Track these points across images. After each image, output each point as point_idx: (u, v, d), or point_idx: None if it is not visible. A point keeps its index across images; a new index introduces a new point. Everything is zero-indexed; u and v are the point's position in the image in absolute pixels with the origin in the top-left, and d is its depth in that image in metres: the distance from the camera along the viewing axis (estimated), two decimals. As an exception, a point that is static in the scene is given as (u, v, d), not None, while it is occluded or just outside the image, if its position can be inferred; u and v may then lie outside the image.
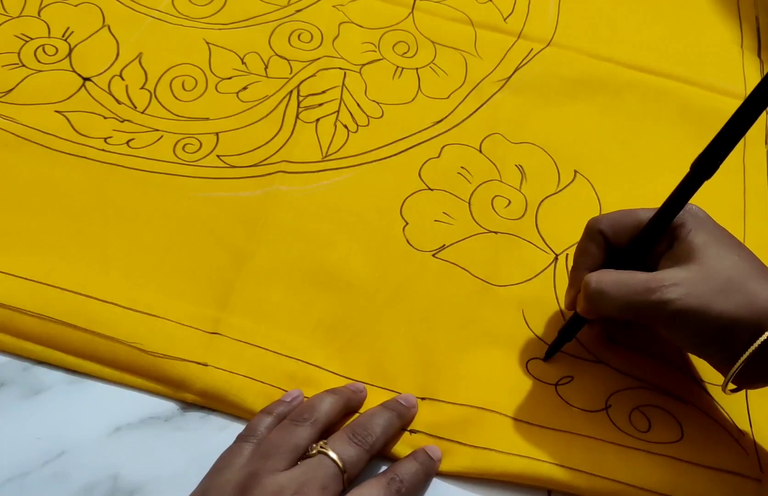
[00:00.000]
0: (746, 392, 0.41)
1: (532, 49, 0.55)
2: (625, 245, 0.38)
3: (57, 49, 0.50)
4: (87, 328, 0.39)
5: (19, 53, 0.50)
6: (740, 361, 0.34)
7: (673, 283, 0.35)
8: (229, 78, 0.51)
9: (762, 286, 0.34)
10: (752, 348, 0.33)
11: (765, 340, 0.33)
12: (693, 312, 0.34)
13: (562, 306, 0.43)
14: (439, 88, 0.52)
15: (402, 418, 0.38)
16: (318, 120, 0.49)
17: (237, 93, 0.50)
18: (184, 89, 0.50)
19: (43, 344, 0.39)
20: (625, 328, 0.41)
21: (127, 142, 0.47)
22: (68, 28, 0.51)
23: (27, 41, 0.50)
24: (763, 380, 0.36)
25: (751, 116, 0.32)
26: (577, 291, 0.38)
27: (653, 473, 0.37)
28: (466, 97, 0.52)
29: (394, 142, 0.49)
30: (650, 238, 0.37)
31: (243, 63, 0.52)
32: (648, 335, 0.41)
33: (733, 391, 0.37)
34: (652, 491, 0.37)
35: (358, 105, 0.51)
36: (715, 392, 0.41)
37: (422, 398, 0.39)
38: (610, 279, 0.36)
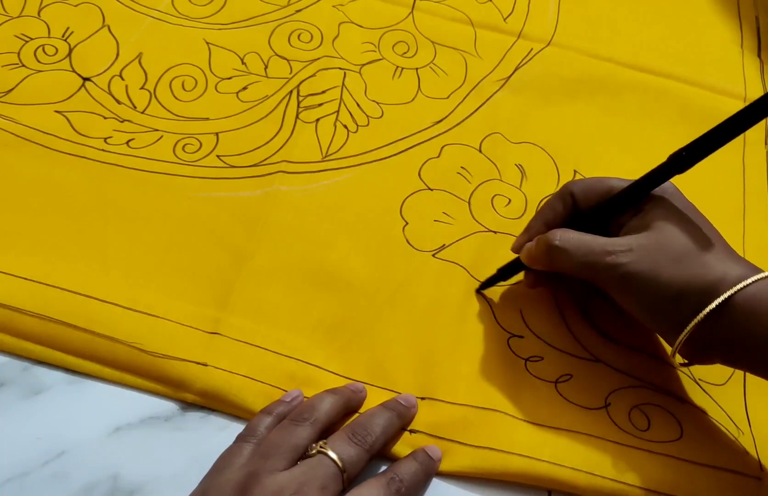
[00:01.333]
0: (744, 391, 0.41)
1: (531, 49, 0.55)
2: (589, 209, 0.39)
3: (57, 49, 0.50)
4: (87, 328, 0.39)
5: (19, 53, 0.50)
6: (687, 330, 0.35)
7: (628, 248, 0.36)
8: (229, 78, 0.51)
9: (719, 260, 0.35)
10: (698, 318, 0.34)
11: (711, 309, 0.34)
12: (643, 277, 0.35)
13: (561, 304, 0.43)
14: (439, 88, 0.52)
15: (402, 418, 0.38)
16: (318, 120, 0.49)
17: (237, 93, 0.50)
18: (184, 89, 0.50)
19: (43, 344, 0.39)
20: (555, 280, 0.42)
21: (127, 142, 0.47)
22: (68, 28, 0.51)
23: (27, 41, 0.50)
24: (712, 353, 0.36)
25: (734, 130, 0.34)
26: (529, 239, 0.40)
27: (653, 472, 0.38)
28: (466, 97, 0.52)
29: (394, 142, 0.49)
30: (614, 208, 0.38)
31: (243, 63, 0.52)
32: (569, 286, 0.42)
33: (683, 364, 0.38)
34: (651, 491, 0.37)
35: (358, 105, 0.51)
36: (714, 392, 0.41)
37: (422, 398, 0.39)
38: (572, 237, 0.38)
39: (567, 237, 0.38)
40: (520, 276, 0.43)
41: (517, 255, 0.42)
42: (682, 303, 0.35)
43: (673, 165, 0.36)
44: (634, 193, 0.38)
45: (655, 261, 0.35)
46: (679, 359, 0.37)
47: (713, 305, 0.34)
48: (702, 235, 0.36)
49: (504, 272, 0.43)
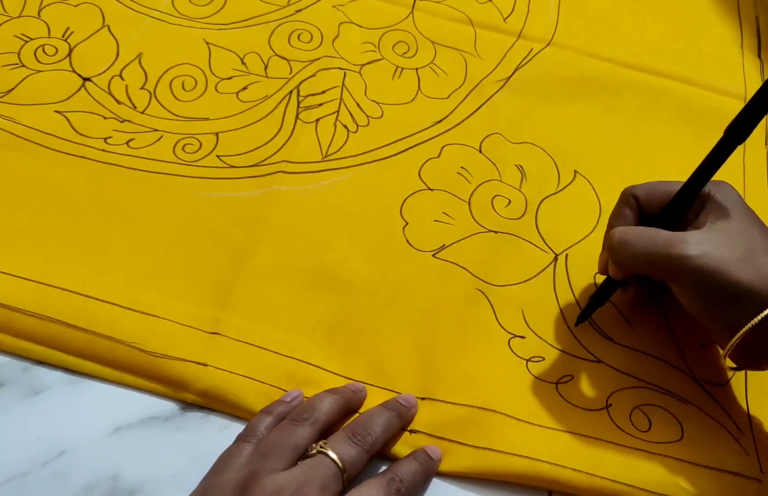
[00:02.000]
0: (746, 391, 0.41)
1: (532, 49, 0.55)
2: (657, 213, 0.39)
3: (57, 49, 0.50)
4: (87, 328, 0.39)
5: (19, 53, 0.50)
6: (741, 331, 0.34)
7: (695, 242, 0.35)
8: (229, 78, 0.51)
9: None
10: (754, 320, 0.34)
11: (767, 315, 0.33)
12: (710, 272, 0.35)
13: (562, 304, 0.43)
14: (439, 88, 0.52)
15: (402, 418, 0.38)
16: (318, 120, 0.49)
17: (237, 93, 0.50)
18: (184, 89, 0.50)
19: (43, 344, 0.39)
20: (657, 293, 0.41)
21: (127, 143, 0.47)
22: (68, 28, 0.51)
23: (27, 41, 0.50)
24: (763, 359, 0.36)
25: None
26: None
27: (653, 473, 0.37)
28: (466, 97, 0.52)
29: (394, 142, 0.49)
30: (681, 204, 0.38)
31: (243, 63, 0.52)
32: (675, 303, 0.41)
33: (733, 369, 0.37)
34: (652, 492, 0.37)
35: (358, 105, 0.51)
36: (716, 392, 0.41)
37: (422, 398, 0.39)
38: (633, 231, 0.37)
39: (627, 231, 0.38)
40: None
41: (605, 277, 0.41)
42: (743, 303, 0.34)
43: (732, 136, 0.35)
44: (697, 180, 0.37)
45: (722, 257, 0.35)
46: (729, 362, 0.36)
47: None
48: (761, 236, 0.36)
49: (598, 297, 0.42)
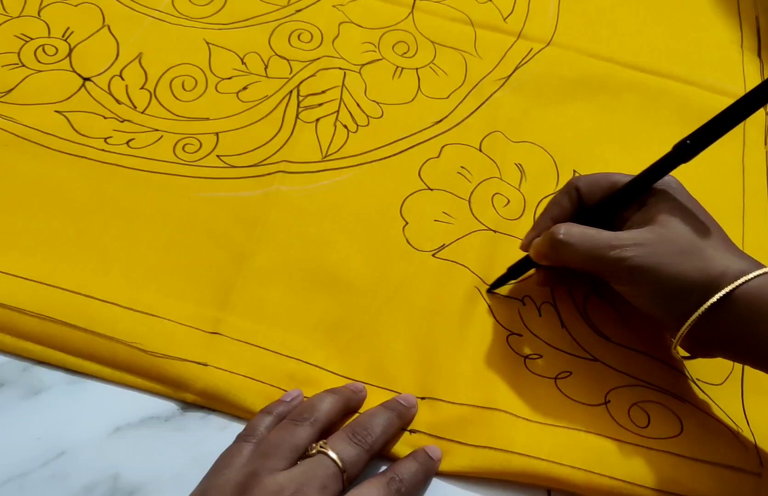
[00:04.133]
0: (741, 390, 0.41)
1: (531, 49, 0.55)
2: (596, 204, 0.40)
3: (57, 49, 0.50)
4: (87, 328, 0.39)
5: (19, 53, 0.50)
6: (688, 322, 0.35)
7: (634, 243, 0.36)
8: (229, 78, 0.51)
9: (720, 254, 0.36)
10: (699, 311, 0.35)
11: (712, 303, 0.34)
12: (648, 270, 0.35)
13: (559, 303, 0.43)
14: (438, 88, 0.52)
15: (402, 418, 0.38)
16: (318, 120, 0.49)
17: (237, 93, 0.50)
18: (184, 89, 0.50)
19: (43, 344, 0.39)
20: (565, 277, 0.42)
21: (127, 142, 0.47)
22: (68, 28, 0.51)
23: (27, 41, 0.50)
24: (713, 346, 0.36)
25: (736, 117, 0.34)
26: (537, 236, 0.40)
27: (652, 469, 0.38)
28: (466, 97, 0.52)
29: (394, 142, 0.49)
30: (618, 202, 0.39)
31: (243, 63, 0.52)
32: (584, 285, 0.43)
33: (686, 358, 0.38)
34: (651, 488, 0.37)
35: (358, 105, 0.51)
36: (712, 392, 0.41)
37: (422, 398, 0.39)
38: (577, 232, 0.38)
39: (571, 231, 0.38)
40: (531, 272, 0.43)
41: (526, 253, 0.42)
42: (685, 296, 0.35)
43: (678, 155, 0.36)
44: (638, 185, 0.38)
45: (660, 255, 0.35)
46: (681, 351, 0.37)
47: (714, 299, 0.34)
48: (705, 229, 0.36)
49: (514, 271, 0.43)
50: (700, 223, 0.37)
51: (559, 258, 0.39)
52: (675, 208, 0.37)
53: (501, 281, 0.43)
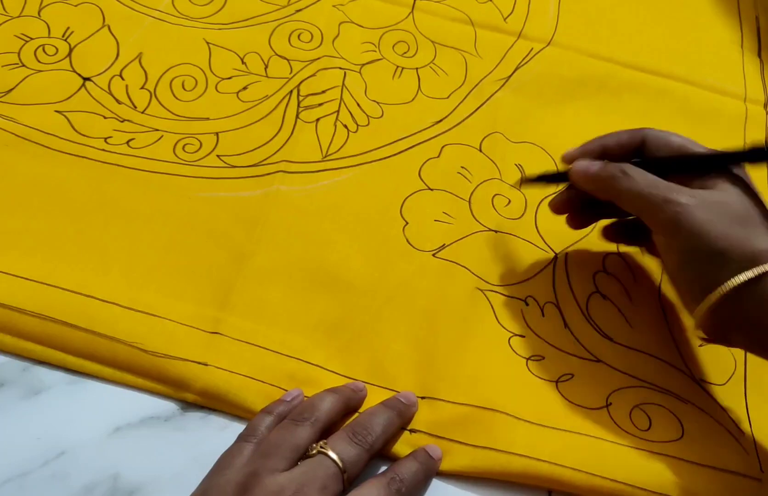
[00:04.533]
0: (745, 391, 0.41)
1: (532, 49, 0.55)
2: (657, 158, 0.39)
3: (57, 49, 0.50)
4: (87, 328, 0.39)
5: (19, 53, 0.50)
6: (718, 290, 0.34)
7: (691, 195, 0.36)
8: (229, 78, 0.51)
9: (760, 234, 0.35)
10: (732, 282, 0.34)
11: (748, 279, 0.34)
12: (697, 223, 0.35)
13: (561, 304, 0.43)
14: (439, 88, 0.52)
15: (402, 416, 0.38)
16: (318, 120, 0.49)
17: (237, 93, 0.50)
18: (184, 89, 0.50)
19: (43, 344, 0.39)
20: (585, 209, 0.42)
21: (127, 142, 0.47)
22: (68, 28, 0.51)
23: (27, 41, 0.50)
24: (734, 330, 0.36)
25: None
26: (582, 155, 0.40)
27: (653, 472, 0.38)
28: (466, 97, 0.52)
29: (394, 142, 0.49)
30: (687, 166, 0.38)
31: (243, 63, 0.52)
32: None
33: (704, 340, 0.38)
34: (652, 491, 0.37)
35: (358, 105, 0.51)
36: (715, 392, 0.41)
37: (422, 398, 0.39)
38: (637, 170, 0.38)
39: (631, 167, 0.38)
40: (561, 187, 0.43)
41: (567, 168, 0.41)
42: (722, 264, 0.35)
43: (754, 154, 0.37)
44: (709, 162, 0.38)
45: (712, 213, 0.35)
46: (700, 333, 0.36)
47: (750, 274, 0.34)
48: (762, 210, 0.36)
49: (546, 178, 0.43)
50: (759, 203, 0.37)
51: (610, 187, 0.38)
52: (737, 181, 0.37)
53: (531, 181, 0.44)
